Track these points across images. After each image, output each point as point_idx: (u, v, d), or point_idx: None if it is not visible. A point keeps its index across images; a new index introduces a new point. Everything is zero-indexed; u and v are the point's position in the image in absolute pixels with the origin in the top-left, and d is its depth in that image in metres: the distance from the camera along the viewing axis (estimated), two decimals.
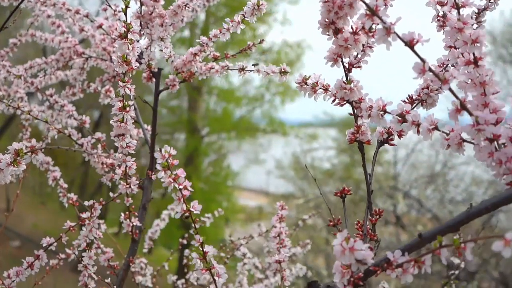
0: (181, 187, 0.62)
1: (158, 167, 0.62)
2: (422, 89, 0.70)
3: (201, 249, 0.66)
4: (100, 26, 1.05)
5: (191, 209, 0.64)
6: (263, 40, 1.00)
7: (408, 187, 6.49)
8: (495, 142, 0.52)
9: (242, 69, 0.94)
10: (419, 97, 0.70)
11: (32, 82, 1.18)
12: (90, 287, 0.94)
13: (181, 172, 0.63)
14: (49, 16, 1.22)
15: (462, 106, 0.52)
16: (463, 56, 0.56)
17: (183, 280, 1.41)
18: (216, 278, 0.65)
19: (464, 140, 0.56)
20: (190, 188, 0.63)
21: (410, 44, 0.51)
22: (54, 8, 1.14)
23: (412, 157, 7.00)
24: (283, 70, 0.92)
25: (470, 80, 0.56)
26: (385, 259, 0.53)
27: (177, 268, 6.32)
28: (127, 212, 0.98)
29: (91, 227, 0.90)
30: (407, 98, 0.70)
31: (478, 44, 0.54)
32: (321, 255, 7.19)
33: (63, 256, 1.10)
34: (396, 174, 6.34)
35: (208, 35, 0.93)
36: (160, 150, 0.61)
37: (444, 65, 0.70)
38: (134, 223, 0.98)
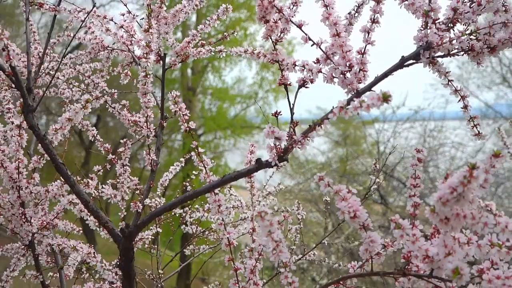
0: (183, 113, 1.11)
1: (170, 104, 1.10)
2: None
3: (196, 150, 1.14)
4: (121, 26, 1.53)
5: (190, 126, 1.12)
6: (234, 31, 1.49)
7: (392, 169, 6.96)
8: (345, 74, 1.01)
9: (220, 51, 1.43)
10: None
11: (79, 70, 1.66)
12: (126, 198, 1.43)
13: (183, 105, 1.11)
14: (82, 21, 1.69)
15: (327, 57, 1.01)
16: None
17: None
18: (205, 166, 1.13)
19: (333, 77, 1.04)
20: (188, 114, 1.11)
21: (299, 26, 1.00)
22: (87, 15, 1.62)
23: (401, 142, 7.52)
24: (248, 50, 1.40)
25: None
26: (293, 140, 1.01)
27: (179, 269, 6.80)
28: (147, 150, 1.46)
29: (126, 156, 1.38)
30: (316, 59, 1.19)
31: (338, 25, 1.02)
32: (321, 247, 7.64)
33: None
34: (378, 156, 6.83)
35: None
36: (170, 92, 1.10)
37: None
38: (153, 158, 1.46)
